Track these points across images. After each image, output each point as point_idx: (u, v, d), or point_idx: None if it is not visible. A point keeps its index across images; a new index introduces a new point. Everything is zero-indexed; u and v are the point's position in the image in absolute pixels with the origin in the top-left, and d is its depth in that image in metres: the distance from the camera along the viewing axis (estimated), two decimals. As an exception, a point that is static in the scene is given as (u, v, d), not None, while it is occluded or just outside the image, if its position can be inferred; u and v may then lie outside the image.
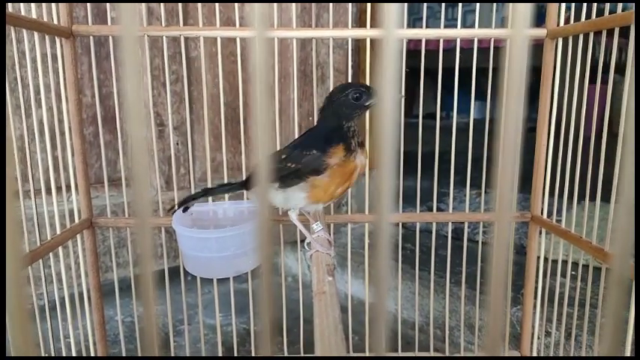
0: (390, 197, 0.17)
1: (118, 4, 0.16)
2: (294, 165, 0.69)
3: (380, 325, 0.17)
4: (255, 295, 1.03)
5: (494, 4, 0.98)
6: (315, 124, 0.77)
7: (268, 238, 0.20)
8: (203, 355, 1.09)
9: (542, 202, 0.95)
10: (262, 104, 0.17)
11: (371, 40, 0.95)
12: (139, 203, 0.17)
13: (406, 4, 0.91)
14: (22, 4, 0.80)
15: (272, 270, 0.20)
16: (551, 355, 0.95)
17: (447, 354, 1.08)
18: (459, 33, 0.93)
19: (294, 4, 1.04)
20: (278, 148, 1.02)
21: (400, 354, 1.05)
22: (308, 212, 0.82)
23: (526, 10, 0.16)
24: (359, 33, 0.95)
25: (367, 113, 0.77)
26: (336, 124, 0.71)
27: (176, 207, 0.82)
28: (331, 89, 0.77)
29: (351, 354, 1.10)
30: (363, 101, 0.71)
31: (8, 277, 0.18)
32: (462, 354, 1.08)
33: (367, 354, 1.07)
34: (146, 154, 0.18)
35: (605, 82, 0.79)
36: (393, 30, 0.15)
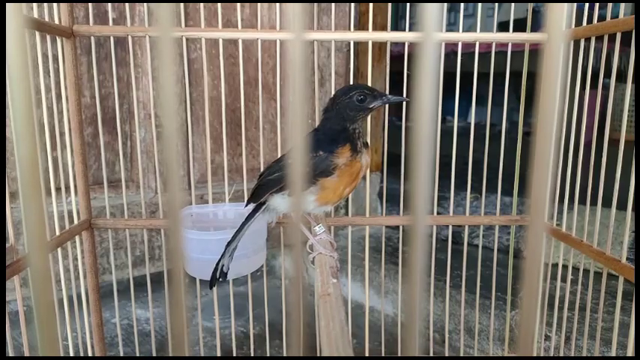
0: (425, 200, 0.17)
1: (155, 7, 0.16)
2: None
3: (413, 329, 0.17)
4: (254, 297, 1.02)
5: (494, 9, 0.99)
6: (318, 125, 0.76)
7: (299, 246, 0.19)
8: (201, 358, 1.09)
9: (542, 207, 0.96)
10: (298, 111, 0.17)
11: (372, 43, 0.96)
12: (172, 201, 0.17)
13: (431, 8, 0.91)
14: (22, 4, 0.79)
15: (302, 275, 0.20)
16: (551, 359, 0.95)
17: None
18: (478, 37, 0.93)
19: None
20: (279, 153, 1.02)
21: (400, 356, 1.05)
22: (309, 214, 0.82)
23: (562, 14, 0.16)
24: (361, 36, 0.95)
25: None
26: (340, 126, 0.71)
27: (216, 277, 0.79)
28: (332, 92, 0.77)
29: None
30: (367, 103, 0.70)
31: (34, 271, 0.18)
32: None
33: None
34: (177, 155, 0.18)
35: (605, 87, 0.80)
36: (432, 33, 0.15)
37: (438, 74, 0.94)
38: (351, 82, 1.01)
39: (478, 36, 0.93)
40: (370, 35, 0.94)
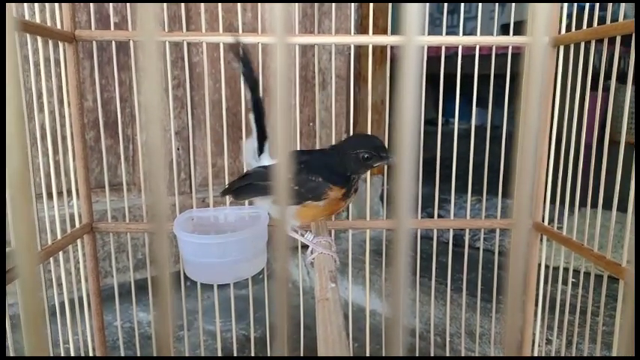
0: (409, 203, 0.17)
1: (138, 9, 0.16)
2: (298, 188, 0.69)
3: (397, 331, 0.17)
4: (255, 300, 1.02)
5: (495, 12, 0.99)
6: (326, 149, 0.76)
7: (285, 254, 0.20)
8: (202, 361, 1.09)
9: (544, 209, 0.95)
10: (282, 114, 0.17)
11: (373, 47, 0.96)
12: (157, 208, 0.17)
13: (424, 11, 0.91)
14: (25, 9, 0.80)
15: (288, 278, 0.20)
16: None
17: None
18: (477, 40, 0.93)
19: (295, 10, 1.05)
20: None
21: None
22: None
23: (545, 17, 0.16)
24: (361, 39, 0.95)
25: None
26: (342, 170, 0.71)
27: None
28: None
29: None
30: (371, 162, 0.71)
31: (23, 278, 0.18)
32: (463, 361, 1.08)
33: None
34: (163, 160, 0.18)
35: (606, 89, 0.80)
36: (414, 37, 0.15)
37: (421, 77, 0.94)
38: (352, 89, 1.01)
39: (478, 39, 0.93)
40: (370, 39, 0.94)
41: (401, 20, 0.15)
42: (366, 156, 0.70)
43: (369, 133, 1.01)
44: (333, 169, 0.71)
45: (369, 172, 1.08)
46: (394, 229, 0.16)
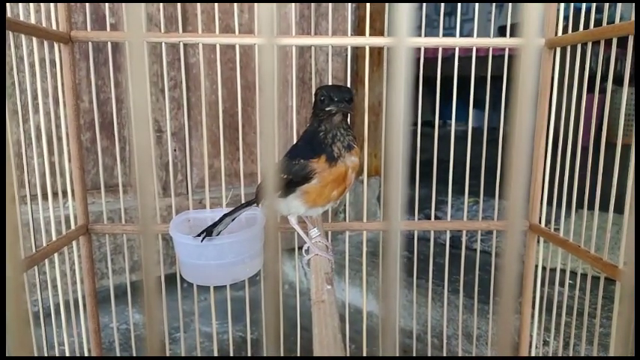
0: (399, 205, 0.17)
1: (124, 11, 0.16)
2: (287, 176, 0.69)
3: (388, 332, 0.17)
4: (252, 302, 1.02)
5: (492, 13, 0.99)
6: (306, 130, 0.76)
7: (276, 248, 0.19)
8: (199, 363, 1.08)
9: (540, 211, 0.95)
10: (268, 114, 0.17)
11: (370, 48, 0.96)
12: (143, 210, 0.17)
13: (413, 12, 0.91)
14: (20, 10, 0.80)
15: (279, 277, 0.20)
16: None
17: (445, 363, 1.07)
18: (474, 42, 0.93)
19: (292, 11, 1.04)
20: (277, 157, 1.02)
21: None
22: (306, 217, 0.82)
23: (537, 19, 0.16)
24: (358, 41, 0.95)
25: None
26: (315, 127, 0.70)
27: (200, 237, 0.81)
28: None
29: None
30: (325, 105, 0.68)
31: (8, 285, 0.17)
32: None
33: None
34: (151, 162, 0.18)
35: (602, 91, 0.80)
36: (405, 38, 0.15)
37: (410, 78, 0.94)
38: (349, 86, 1.01)
39: (475, 41, 0.93)
40: (367, 40, 0.94)
41: (390, 21, 0.15)
42: (322, 98, 0.68)
43: (366, 132, 1.01)
44: (309, 145, 0.70)
45: (365, 174, 1.07)
46: (385, 230, 0.16)
